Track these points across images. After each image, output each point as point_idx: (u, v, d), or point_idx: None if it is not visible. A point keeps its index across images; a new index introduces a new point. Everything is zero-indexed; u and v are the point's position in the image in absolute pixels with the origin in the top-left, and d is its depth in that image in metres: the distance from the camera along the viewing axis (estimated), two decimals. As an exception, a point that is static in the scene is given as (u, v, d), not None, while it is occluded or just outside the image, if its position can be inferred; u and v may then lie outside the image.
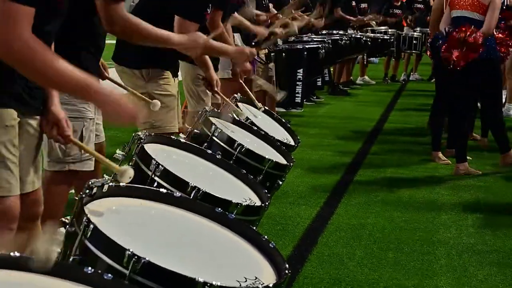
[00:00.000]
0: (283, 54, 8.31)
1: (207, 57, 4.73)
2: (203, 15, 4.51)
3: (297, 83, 8.23)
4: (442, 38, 6.66)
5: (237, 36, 6.69)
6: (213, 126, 3.84)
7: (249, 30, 6.57)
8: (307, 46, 8.56)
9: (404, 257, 4.51)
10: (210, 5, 4.58)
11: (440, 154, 7.17)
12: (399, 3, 14.64)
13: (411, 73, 15.02)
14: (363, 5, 13.54)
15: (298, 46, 8.49)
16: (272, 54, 8.29)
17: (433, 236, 4.95)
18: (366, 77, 13.95)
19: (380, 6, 14.66)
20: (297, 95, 8.28)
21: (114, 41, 4.32)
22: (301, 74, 8.21)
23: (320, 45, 8.82)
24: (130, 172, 2.42)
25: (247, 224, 2.56)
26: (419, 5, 15.27)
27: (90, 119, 3.66)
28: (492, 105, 6.74)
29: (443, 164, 7.01)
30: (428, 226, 5.17)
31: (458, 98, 6.69)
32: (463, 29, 6.26)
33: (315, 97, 11.26)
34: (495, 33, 6.64)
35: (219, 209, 2.54)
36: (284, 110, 9.64)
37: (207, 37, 3.79)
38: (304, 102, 9.77)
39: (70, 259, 2.03)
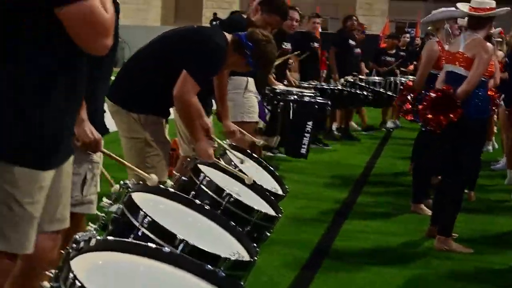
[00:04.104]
0: (294, 105, 8.33)
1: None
2: (207, 81, 4.60)
3: (305, 134, 8.24)
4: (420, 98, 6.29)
5: (251, 80, 6.70)
6: (202, 174, 3.80)
7: None
8: (318, 101, 8.59)
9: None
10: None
11: (422, 206, 7.04)
12: (394, 51, 14.74)
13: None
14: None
15: (309, 99, 8.52)
16: (281, 103, 8.30)
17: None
18: (353, 123, 13.93)
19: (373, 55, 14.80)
20: (303, 146, 8.26)
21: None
22: (310, 126, 8.23)
23: (328, 102, 8.82)
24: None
25: (237, 282, 2.50)
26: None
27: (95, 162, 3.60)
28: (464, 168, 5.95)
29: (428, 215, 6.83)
30: (418, 280, 5.11)
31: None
32: (442, 88, 5.85)
33: (321, 144, 11.24)
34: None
35: (209, 266, 2.47)
36: (272, 154, 9.57)
37: None
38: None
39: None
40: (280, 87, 8.62)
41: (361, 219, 6.75)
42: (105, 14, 2.41)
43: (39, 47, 2.44)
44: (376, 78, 13.52)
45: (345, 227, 6.45)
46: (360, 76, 12.89)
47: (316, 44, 11.56)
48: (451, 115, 5.72)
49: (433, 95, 5.85)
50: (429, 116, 5.85)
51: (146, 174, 3.32)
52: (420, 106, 6.04)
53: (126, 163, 3.55)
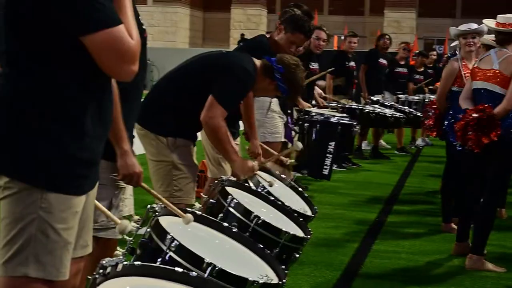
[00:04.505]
0: (318, 125, 8.29)
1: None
2: (235, 106, 4.63)
3: (327, 155, 8.09)
4: (451, 117, 6.32)
5: (274, 101, 6.69)
6: (229, 197, 3.79)
7: None
8: (341, 121, 8.50)
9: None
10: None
11: (453, 225, 6.89)
12: (422, 68, 14.65)
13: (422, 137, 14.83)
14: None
15: (332, 120, 8.44)
16: (305, 125, 8.27)
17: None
18: (382, 141, 13.85)
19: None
20: (325, 167, 8.12)
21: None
22: (332, 147, 8.09)
23: (354, 123, 8.74)
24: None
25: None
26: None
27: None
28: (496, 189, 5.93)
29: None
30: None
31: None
32: (483, 108, 5.66)
33: (351, 164, 11.22)
34: None
35: (236, 290, 2.47)
36: (300, 175, 9.52)
37: None
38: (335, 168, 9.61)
39: None
40: (312, 109, 8.60)
41: (392, 239, 6.69)
42: (131, 40, 2.42)
43: (41, 53, 2.42)
44: (416, 97, 13.38)
45: (375, 247, 6.39)
46: (399, 96, 12.85)
47: (352, 63, 11.54)
48: (492, 135, 5.59)
49: (475, 115, 5.68)
50: (471, 136, 5.70)
51: (181, 213, 3.28)
52: (456, 126, 5.91)
53: (163, 199, 3.51)
